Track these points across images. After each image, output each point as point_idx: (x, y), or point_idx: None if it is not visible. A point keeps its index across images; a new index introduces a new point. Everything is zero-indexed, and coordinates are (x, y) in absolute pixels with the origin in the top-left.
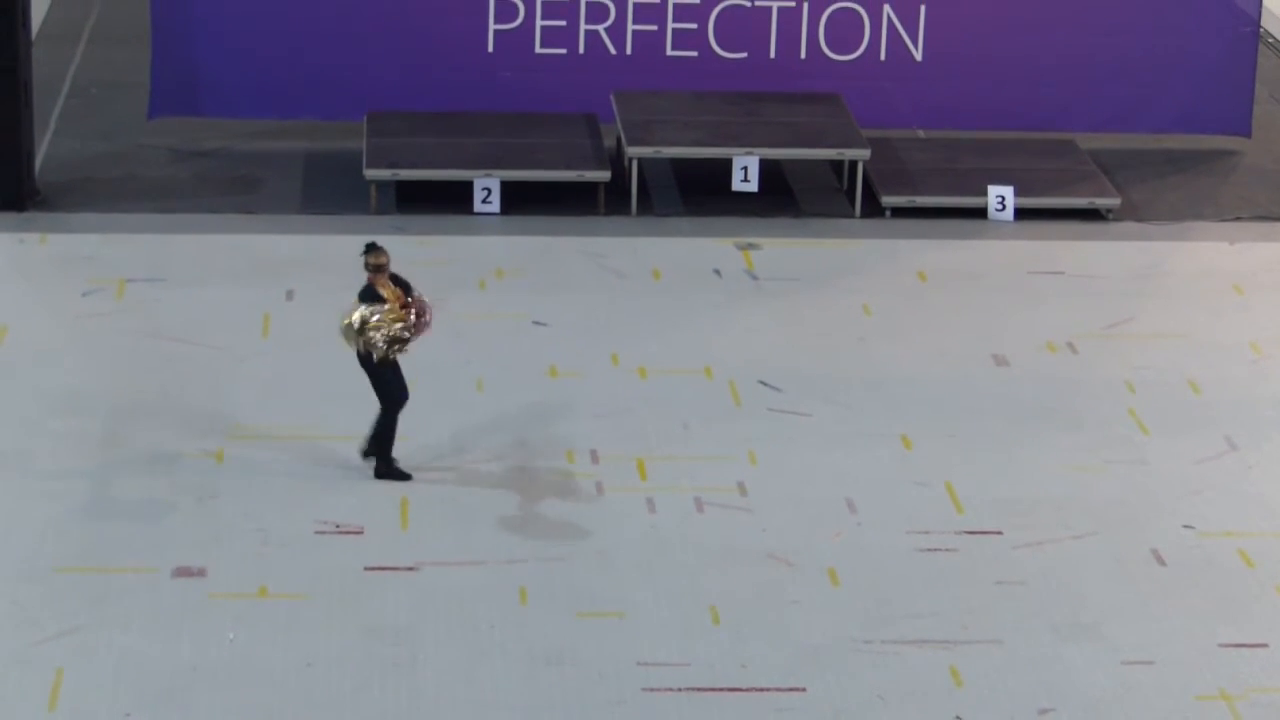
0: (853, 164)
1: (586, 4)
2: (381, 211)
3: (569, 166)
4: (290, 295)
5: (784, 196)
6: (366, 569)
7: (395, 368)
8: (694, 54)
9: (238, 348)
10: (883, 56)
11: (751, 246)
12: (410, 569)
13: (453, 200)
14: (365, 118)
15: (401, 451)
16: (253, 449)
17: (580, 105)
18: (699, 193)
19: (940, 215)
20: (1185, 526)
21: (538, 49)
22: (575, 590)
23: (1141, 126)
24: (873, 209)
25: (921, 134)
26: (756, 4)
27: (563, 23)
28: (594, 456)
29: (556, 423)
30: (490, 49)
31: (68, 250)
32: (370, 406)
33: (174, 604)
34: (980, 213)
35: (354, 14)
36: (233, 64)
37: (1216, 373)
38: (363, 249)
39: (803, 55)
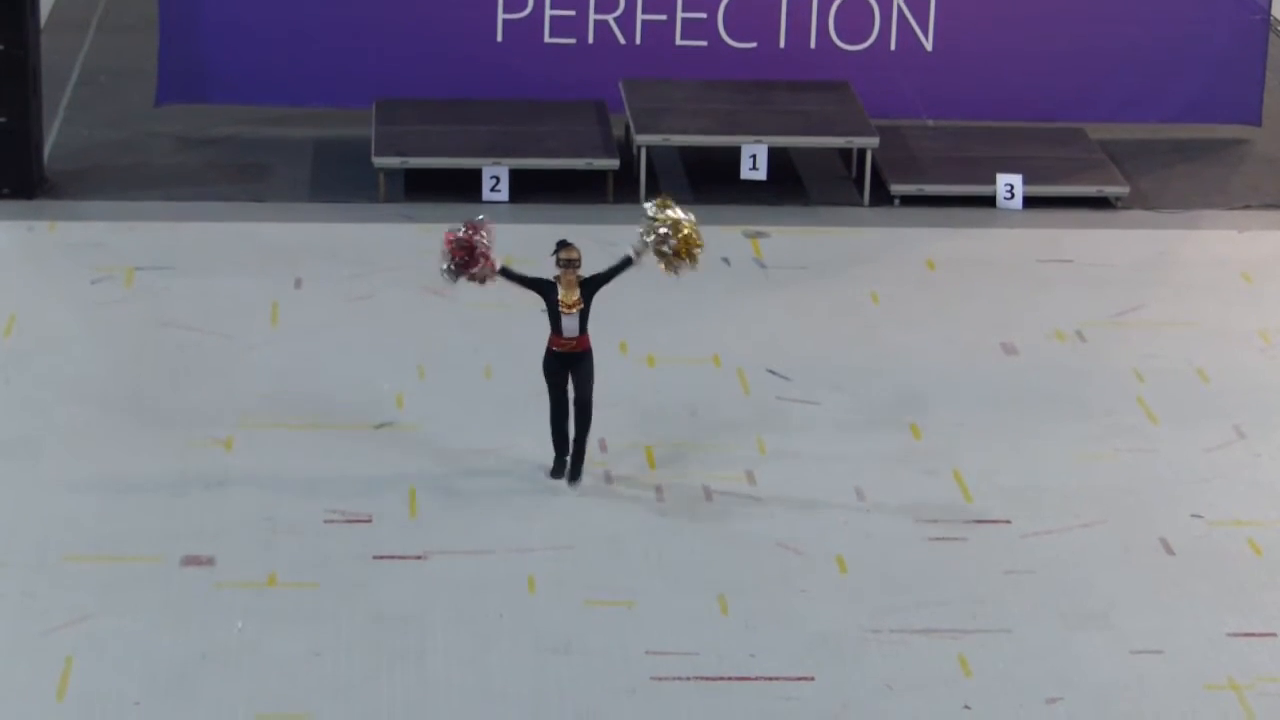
0: (861, 152)
1: None
2: (390, 199)
3: (578, 155)
4: (299, 283)
5: (793, 185)
6: (375, 558)
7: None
8: (703, 43)
9: (246, 336)
10: (892, 46)
11: (760, 235)
12: (419, 558)
13: (461, 188)
14: (374, 105)
15: (408, 439)
16: (261, 437)
17: (589, 95)
18: (707, 181)
19: (949, 204)
20: (1194, 515)
21: (547, 39)
22: (583, 579)
23: (1151, 115)
24: (881, 197)
25: (930, 123)
26: None
27: (572, 12)
28: (602, 445)
29: None
30: (499, 38)
31: (76, 238)
32: (374, 392)
33: (183, 592)
34: (989, 201)
35: (363, 1)
36: (241, 51)
37: (1225, 361)
38: (556, 245)
39: (812, 45)
